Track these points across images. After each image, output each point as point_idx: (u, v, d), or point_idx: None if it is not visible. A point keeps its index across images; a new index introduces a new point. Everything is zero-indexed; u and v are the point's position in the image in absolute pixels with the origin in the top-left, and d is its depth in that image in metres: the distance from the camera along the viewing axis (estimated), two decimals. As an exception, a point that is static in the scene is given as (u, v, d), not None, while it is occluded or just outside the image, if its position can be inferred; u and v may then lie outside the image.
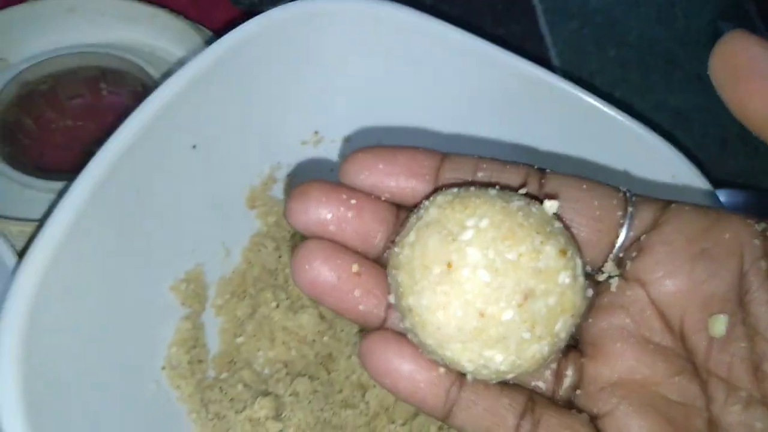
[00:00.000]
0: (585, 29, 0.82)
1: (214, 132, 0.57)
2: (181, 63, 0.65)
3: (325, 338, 0.57)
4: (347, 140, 0.66)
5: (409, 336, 0.36)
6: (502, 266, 0.33)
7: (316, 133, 0.64)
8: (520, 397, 0.37)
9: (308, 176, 0.61)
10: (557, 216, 0.38)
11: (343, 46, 0.60)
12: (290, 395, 0.54)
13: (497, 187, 0.38)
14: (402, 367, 0.36)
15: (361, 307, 0.37)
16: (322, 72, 0.62)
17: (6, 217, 0.58)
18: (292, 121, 0.64)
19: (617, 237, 0.38)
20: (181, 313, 0.55)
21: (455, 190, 0.37)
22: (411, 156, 0.39)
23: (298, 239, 0.63)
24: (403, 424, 0.56)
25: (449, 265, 0.33)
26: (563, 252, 0.35)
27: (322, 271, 0.37)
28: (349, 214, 0.37)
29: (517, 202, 0.35)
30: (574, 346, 0.40)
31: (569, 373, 0.38)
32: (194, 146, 0.56)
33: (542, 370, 0.39)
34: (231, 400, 0.53)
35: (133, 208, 0.52)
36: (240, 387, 0.54)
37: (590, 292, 0.38)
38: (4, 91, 0.67)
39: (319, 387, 0.55)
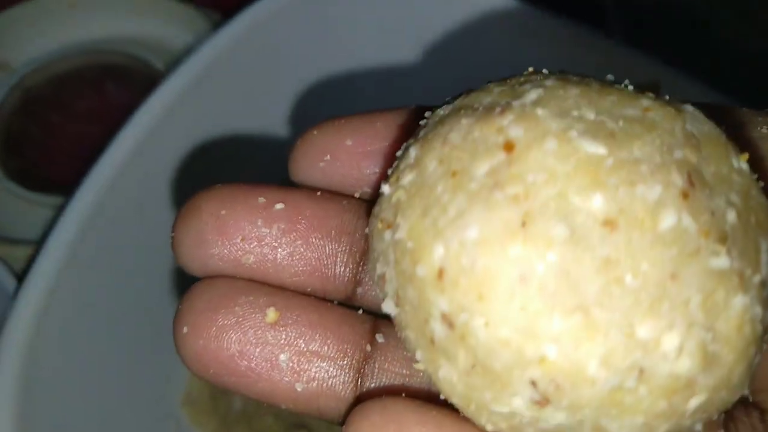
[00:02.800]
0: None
1: (221, 133, 0.52)
2: (187, 51, 0.60)
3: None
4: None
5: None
6: (624, 127, 0.17)
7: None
8: None
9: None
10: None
11: (364, 26, 0.54)
12: (326, 428, 0.48)
13: None
14: None
15: (298, 387, 0.22)
16: (340, 58, 0.55)
17: (10, 240, 0.53)
18: (309, 114, 0.57)
19: None
20: (200, 339, 0.50)
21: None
22: (397, 119, 0.25)
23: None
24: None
25: (509, 146, 0.17)
26: (715, 115, 0.19)
27: (210, 334, 0.22)
28: (275, 230, 0.23)
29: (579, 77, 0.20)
30: (740, 400, 0.21)
31: None
32: (202, 150, 0.51)
33: None
34: (260, 435, 0.48)
35: (137, 221, 0.47)
36: (269, 419, 0.48)
37: None
38: (8, 99, 0.63)
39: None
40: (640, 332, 0.16)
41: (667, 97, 0.20)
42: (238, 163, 0.54)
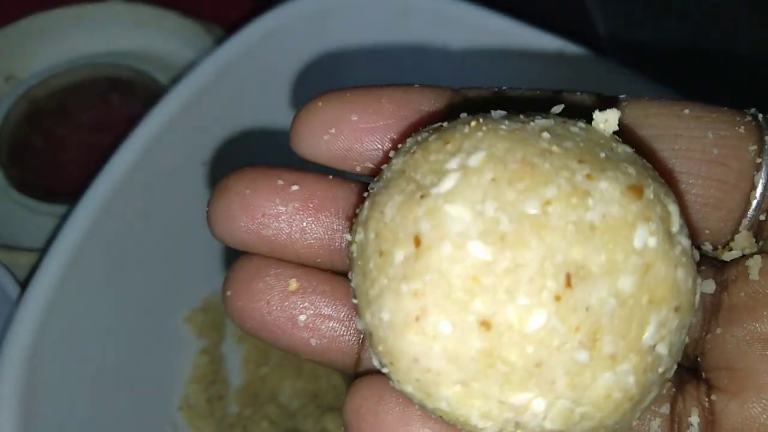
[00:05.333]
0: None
1: (225, 145, 0.53)
2: (190, 66, 0.61)
3: (357, 365, 0.52)
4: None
5: (401, 391, 0.23)
6: (516, 229, 0.19)
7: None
8: None
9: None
10: (622, 141, 0.22)
11: (366, 40, 0.55)
12: (319, 433, 0.49)
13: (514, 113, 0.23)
14: None
15: (313, 342, 0.26)
16: (342, 71, 0.56)
17: (14, 248, 0.54)
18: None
19: (753, 189, 0.23)
20: (198, 345, 0.51)
21: (441, 124, 0.23)
22: (402, 97, 0.26)
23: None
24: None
25: (417, 241, 0.20)
26: (635, 190, 0.20)
27: (248, 297, 0.26)
28: (290, 208, 0.26)
29: (542, 121, 0.22)
30: (694, 373, 0.25)
31: (694, 421, 0.24)
32: (204, 163, 0.52)
33: (647, 420, 0.24)
34: (256, 439, 0.49)
35: (139, 234, 0.48)
36: (265, 424, 0.49)
37: (709, 286, 0.24)
38: (13, 110, 0.64)
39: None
40: (511, 400, 0.20)
41: (613, 139, 0.22)
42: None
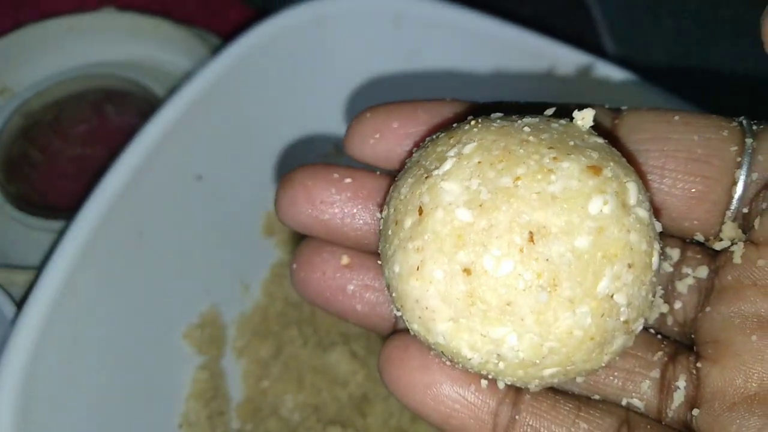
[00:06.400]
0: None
1: (220, 158, 0.52)
2: (186, 76, 0.60)
3: (359, 377, 0.51)
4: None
5: (412, 332, 0.28)
6: (492, 198, 0.24)
7: (335, 146, 0.58)
8: (609, 419, 0.27)
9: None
10: (597, 134, 0.27)
11: (362, 48, 0.54)
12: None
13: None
14: (428, 384, 0.28)
15: (358, 307, 0.31)
16: (338, 80, 0.55)
17: (10, 266, 0.54)
18: (309, 136, 0.58)
19: (735, 184, 0.27)
20: (197, 361, 0.50)
21: (453, 125, 0.29)
22: (434, 108, 0.31)
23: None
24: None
25: (420, 211, 0.26)
26: (594, 169, 0.25)
27: (308, 268, 0.31)
28: (343, 196, 0.31)
29: (530, 119, 0.27)
30: (686, 345, 0.29)
31: (681, 385, 0.27)
32: (200, 177, 0.51)
33: (637, 381, 0.28)
34: (258, 454, 0.48)
35: (135, 250, 0.47)
36: (266, 440, 0.49)
37: (702, 271, 0.28)
38: (9, 124, 0.64)
39: (354, 434, 0.50)
40: (491, 333, 0.25)
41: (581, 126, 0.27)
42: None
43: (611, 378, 0.28)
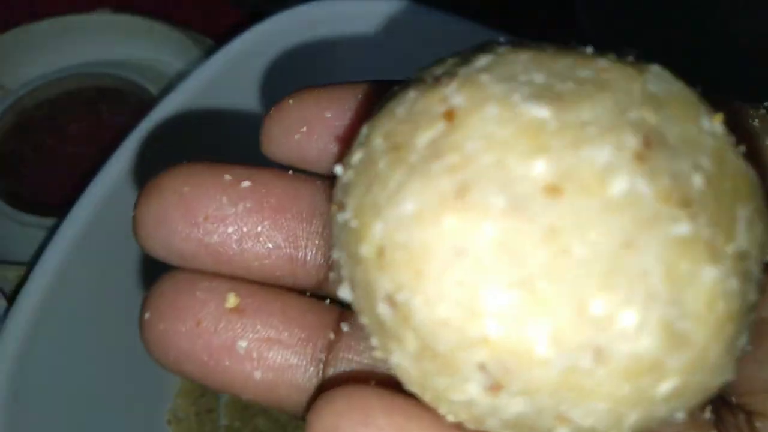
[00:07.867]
0: None
1: (214, 154, 0.53)
2: (179, 76, 0.61)
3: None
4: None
5: (398, 373, 0.18)
6: (572, 89, 0.16)
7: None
8: None
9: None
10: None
11: (354, 52, 0.55)
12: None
13: None
14: None
15: (256, 375, 0.20)
16: (332, 79, 0.56)
17: (1, 262, 0.54)
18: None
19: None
20: (187, 358, 0.50)
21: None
22: (381, 91, 0.21)
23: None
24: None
25: (449, 115, 0.16)
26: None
27: (172, 317, 0.20)
28: (240, 208, 0.21)
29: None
30: (720, 397, 0.20)
31: None
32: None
33: None
34: (246, 452, 0.49)
35: (127, 246, 0.48)
36: (254, 437, 0.49)
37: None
38: (2, 122, 0.64)
39: None
40: (592, 308, 0.15)
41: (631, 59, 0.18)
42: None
43: None
